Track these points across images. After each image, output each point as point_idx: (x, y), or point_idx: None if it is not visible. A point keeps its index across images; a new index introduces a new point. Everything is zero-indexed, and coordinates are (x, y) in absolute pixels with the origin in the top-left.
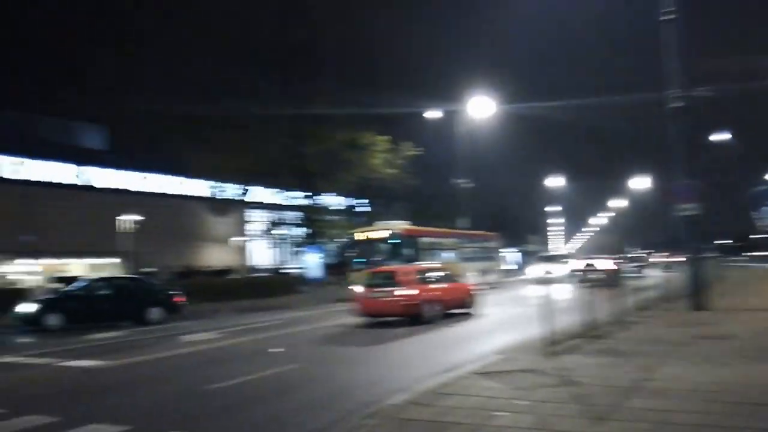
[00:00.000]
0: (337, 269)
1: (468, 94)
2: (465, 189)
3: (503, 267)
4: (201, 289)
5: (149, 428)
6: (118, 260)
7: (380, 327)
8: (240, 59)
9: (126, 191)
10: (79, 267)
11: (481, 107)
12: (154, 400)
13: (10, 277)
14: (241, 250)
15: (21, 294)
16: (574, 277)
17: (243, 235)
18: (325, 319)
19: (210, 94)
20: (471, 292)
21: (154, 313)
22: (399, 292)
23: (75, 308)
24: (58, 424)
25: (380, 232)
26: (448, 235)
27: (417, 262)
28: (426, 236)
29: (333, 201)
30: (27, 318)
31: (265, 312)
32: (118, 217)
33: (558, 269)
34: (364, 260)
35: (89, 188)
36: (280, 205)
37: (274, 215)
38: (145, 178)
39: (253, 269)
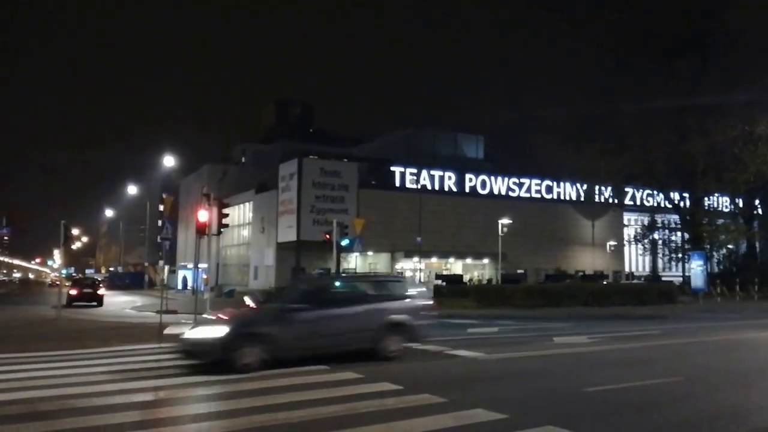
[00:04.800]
0: (726, 279)
1: None
2: None
3: None
4: (570, 294)
5: (525, 420)
6: (486, 261)
7: None
8: (621, 54)
9: (501, 196)
10: (457, 266)
11: None
12: (531, 395)
13: (407, 273)
14: (615, 254)
15: None
16: None
17: (617, 239)
18: (709, 333)
19: (585, 94)
20: None
21: None
22: None
23: None
24: (446, 404)
25: None
26: None
27: None
28: None
29: (721, 203)
30: None
31: (638, 320)
32: (494, 220)
33: None
34: None
35: (468, 194)
36: (660, 207)
37: (652, 219)
38: (519, 183)
39: (629, 275)
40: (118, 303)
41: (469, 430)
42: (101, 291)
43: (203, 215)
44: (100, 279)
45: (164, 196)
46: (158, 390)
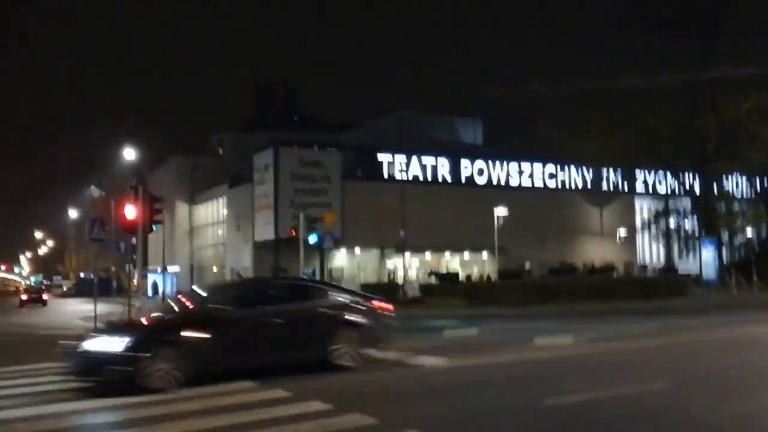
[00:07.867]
0: (743, 268)
1: None
2: None
3: None
4: (572, 288)
5: None
6: (485, 257)
7: None
8: (621, 25)
9: (500, 184)
10: (454, 262)
11: None
12: (479, 412)
13: (398, 271)
14: (627, 244)
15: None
16: None
17: (628, 227)
18: (713, 329)
19: (584, 70)
20: None
21: None
22: None
23: None
24: (374, 427)
25: None
26: None
27: None
28: None
29: (740, 185)
30: None
31: (639, 317)
32: (493, 211)
33: None
34: None
35: (464, 183)
36: (673, 192)
37: (663, 204)
38: (519, 169)
39: (641, 267)
40: (72, 312)
41: None
42: (45, 296)
43: (130, 211)
44: (60, 285)
45: (95, 194)
46: (41, 419)
